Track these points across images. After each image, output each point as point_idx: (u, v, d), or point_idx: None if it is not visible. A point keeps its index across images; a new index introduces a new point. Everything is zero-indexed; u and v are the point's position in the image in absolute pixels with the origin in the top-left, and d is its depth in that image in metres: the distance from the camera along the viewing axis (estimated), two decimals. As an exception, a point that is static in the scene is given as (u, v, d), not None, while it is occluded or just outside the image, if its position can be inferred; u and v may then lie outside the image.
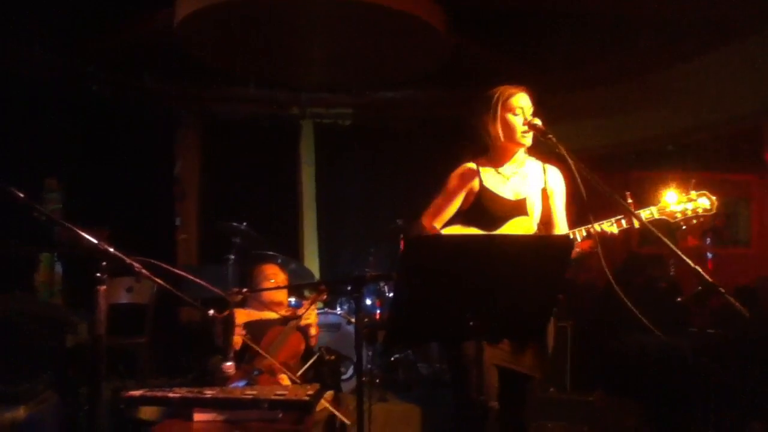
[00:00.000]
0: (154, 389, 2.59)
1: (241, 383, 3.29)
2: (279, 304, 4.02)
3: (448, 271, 2.05)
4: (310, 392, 2.54)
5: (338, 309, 5.62)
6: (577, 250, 2.68)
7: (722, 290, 2.18)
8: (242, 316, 3.83)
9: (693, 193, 2.69)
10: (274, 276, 4.04)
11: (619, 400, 4.55)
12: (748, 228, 7.80)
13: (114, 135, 6.69)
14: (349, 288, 2.74)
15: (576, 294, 5.75)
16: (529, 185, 2.85)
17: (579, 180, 2.44)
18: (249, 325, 3.75)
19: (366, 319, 5.57)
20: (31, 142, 6.14)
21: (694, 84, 6.15)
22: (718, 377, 4.03)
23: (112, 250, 1.92)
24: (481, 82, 5.84)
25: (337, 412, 3.36)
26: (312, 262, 7.83)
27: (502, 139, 2.79)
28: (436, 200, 2.88)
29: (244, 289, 3.85)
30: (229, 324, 2.66)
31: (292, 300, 4.85)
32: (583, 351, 4.57)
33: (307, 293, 5.50)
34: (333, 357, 3.87)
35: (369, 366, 4.88)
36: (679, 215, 2.67)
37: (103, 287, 1.91)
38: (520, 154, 2.86)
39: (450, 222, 2.87)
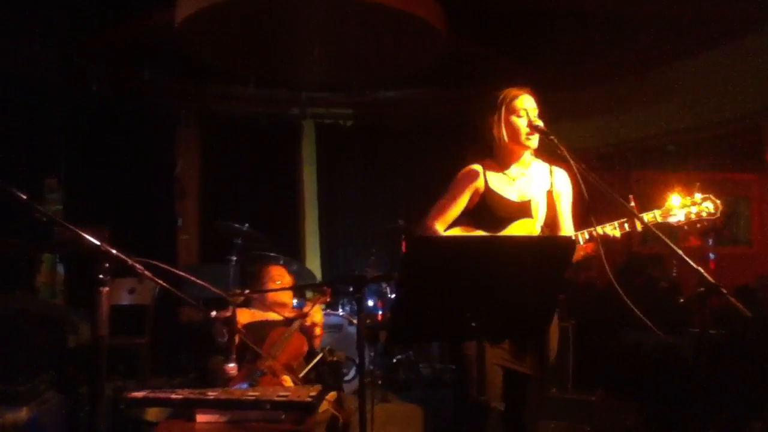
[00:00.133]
0: (156, 390, 2.60)
1: (244, 385, 3.29)
2: (283, 305, 4.02)
3: (450, 271, 2.06)
4: (313, 393, 2.54)
5: (340, 310, 5.63)
6: (581, 253, 2.68)
7: (724, 290, 2.18)
8: (246, 316, 3.83)
9: (697, 197, 2.68)
10: (280, 278, 4.04)
11: (621, 399, 4.55)
12: (748, 227, 7.79)
13: (114, 134, 6.70)
14: (350, 288, 2.74)
15: (577, 294, 5.76)
16: (534, 187, 2.85)
17: (581, 181, 2.44)
18: (252, 326, 3.75)
19: (368, 320, 5.57)
20: (31, 141, 6.15)
21: (695, 82, 6.15)
22: (719, 377, 4.04)
23: (114, 251, 1.91)
24: (481, 81, 5.89)
25: (335, 412, 3.36)
26: (313, 263, 7.84)
27: (506, 141, 2.79)
28: (440, 201, 2.88)
29: (246, 290, 3.84)
30: (231, 325, 2.66)
31: (295, 301, 4.85)
32: (584, 351, 4.56)
33: (309, 294, 5.50)
34: (335, 358, 3.86)
35: (371, 367, 4.89)
36: (682, 218, 2.67)
37: (106, 288, 1.90)
38: (527, 156, 2.86)
39: (455, 223, 2.88)
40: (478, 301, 2.09)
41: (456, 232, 2.83)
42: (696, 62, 6.15)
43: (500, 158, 2.86)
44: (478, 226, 2.81)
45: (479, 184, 2.83)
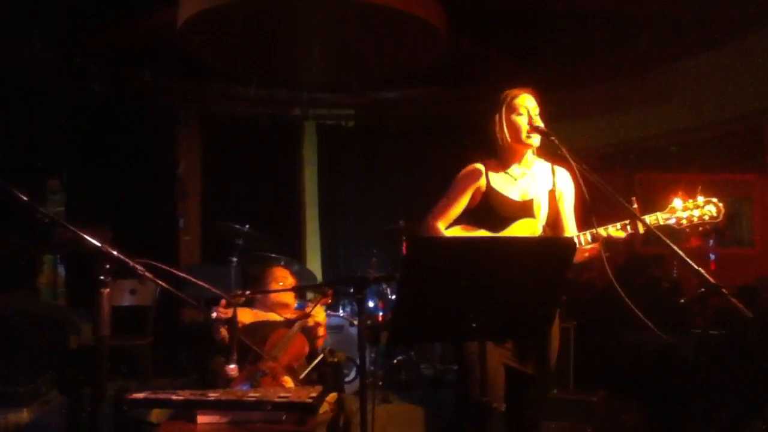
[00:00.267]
0: (157, 391, 2.60)
1: (245, 386, 3.30)
2: (285, 306, 4.03)
3: (451, 272, 2.06)
4: (314, 394, 2.54)
5: (341, 311, 5.63)
6: (585, 255, 2.67)
7: (724, 291, 2.18)
8: (248, 315, 3.84)
9: (700, 200, 2.66)
10: (283, 279, 4.06)
11: (622, 400, 4.55)
12: (750, 228, 7.78)
13: (115, 135, 6.71)
14: (351, 289, 2.74)
15: (578, 294, 5.76)
16: (536, 187, 2.85)
17: (582, 182, 2.44)
18: (253, 327, 3.76)
19: (368, 321, 5.57)
20: (32, 142, 6.15)
21: (695, 83, 6.15)
22: (720, 377, 4.03)
23: (115, 252, 1.92)
24: (482, 81, 5.88)
25: (336, 412, 3.36)
26: (314, 263, 7.84)
27: (508, 140, 2.80)
28: (442, 200, 2.88)
29: (248, 291, 3.85)
30: (233, 325, 2.66)
31: (296, 302, 4.86)
32: (585, 351, 4.56)
33: (310, 295, 5.51)
34: (337, 359, 3.86)
35: (372, 367, 4.89)
36: (685, 222, 2.64)
37: (107, 289, 1.91)
38: (529, 155, 2.86)
39: (456, 222, 2.88)
40: (479, 302, 2.10)
41: (457, 231, 2.83)
42: (697, 62, 6.14)
43: (503, 157, 2.86)
44: (479, 226, 2.81)
45: (481, 183, 2.83)
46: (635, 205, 2.55)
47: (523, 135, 2.76)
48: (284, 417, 2.48)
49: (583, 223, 2.76)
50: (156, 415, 3.76)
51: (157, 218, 7.17)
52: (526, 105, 2.78)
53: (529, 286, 2.12)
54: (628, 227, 2.63)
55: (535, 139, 2.77)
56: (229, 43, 5.82)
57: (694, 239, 6.80)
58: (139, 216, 6.79)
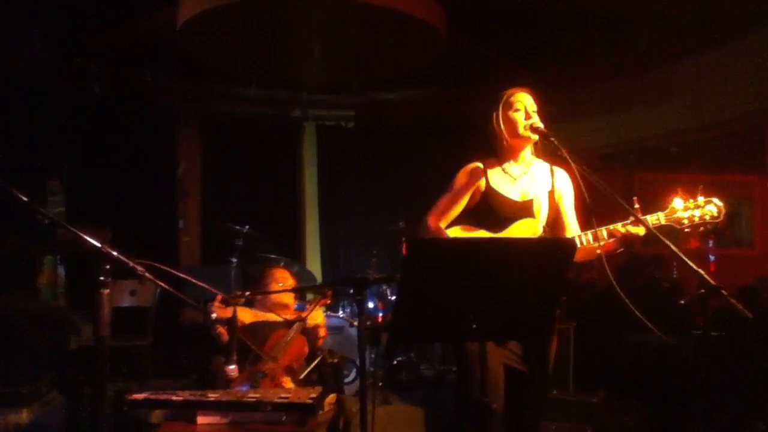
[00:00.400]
0: (157, 392, 2.60)
1: (245, 386, 3.30)
2: (285, 307, 4.04)
3: (451, 272, 2.06)
4: (314, 395, 2.55)
5: (341, 312, 5.63)
6: (597, 252, 2.65)
7: (724, 292, 2.18)
8: (248, 315, 3.84)
9: (700, 200, 2.65)
10: (283, 280, 4.07)
11: (622, 400, 4.55)
12: (751, 229, 7.78)
13: (115, 135, 6.71)
14: (351, 290, 2.74)
15: (578, 294, 5.76)
16: (536, 187, 2.85)
17: (581, 183, 2.44)
18: (253, 327, 3.76)
19: (368, 322, 5.57)
20: (32, 143, 6.15)
21: (696, 83, 6.15)
22: (720, 377, 4.03)
23: (115, 253, 1.92)
24: (482, 81, 5.87)
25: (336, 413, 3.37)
26: (314, 264, 7.84)
27: (506, 136, 2.81)
28: (441, 199, 2.88)
29: (248, 292, 3.85)
30: (233, 326, 2.66)
31: (296, 304, 4.87)
32: (585, 352, 4.56)
33: (310, 296, 5.51)
34: (336, 360, 3.87)
35: (372, 368, 4.89)
36: (686, 221, 2.63)
37: (107, 290, 1.91)
38: (527, 154, 2.86)
39: (456, 221, 2.87)
40: (479, 302, 2.10)
41: (457, 231, 2.83)
42: (697, 62, 6.15)
43: (502, 156, 2.86)
44: (479, 226, 2.80)
45: (481, 182, 2.83)
46: (637, 206, 2.54)
47: (520, 129, 2.76)
48: (284, 418, 2.48)
49: (583, 224, 2.76)
50: (156, 415, 3.76)
51: (157, 219, 7.17)
52: (524, 102, 2.79)
53: (529, 286, 2.12)
54: (629, 227, 2.62)
55: (530, 134, 2.76)
56: (229, 43, 5.82)
57: (694, 240, 6.80)
58: (139, 217, 6.79)
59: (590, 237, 2.65)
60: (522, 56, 6.29)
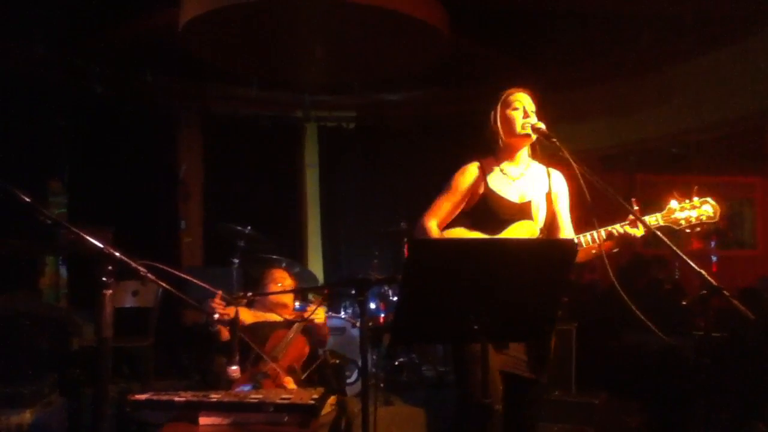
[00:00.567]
0: (159, 393, 2.60)
1: (247, 387, 3.30)
2: (285, 307, 4.04)
3: (453, 273, 2.06)
4: (316, 396, 2.55)
5: (342, 312, 5.63)
6: (592, 252, 2.68)
7: (726, 293, 2.18)
8: (248, 316, 3.84)
9: (696, 200, 2.69)
10: (282, 280, 4.08)
11: (624, 401, 4.55)
12: (753, 230, 7.78)
13: (117, 136, 6.72)
14: (353, 291, 2.74)
15: (580, 295, 5.76)
16: (533, 188, 2.84)
17: (583, 184, 2.44)
18: (253, 327, 3.76)
19: (370, 323, 5.57)
20: (34, 143, 6.16)
21: (697, 84, 6.15)
22: (722, 378, 4.03)
23: (117, 254, 1.92)
24: (483, 81, 5.86)
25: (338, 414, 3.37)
26: (316, 265, 7.84)
27: (503, 135, 2.80)
28: (438, 200, 2.86)
29: (249, 293, 3.85)
30: (234, 326, 2.66)
31: (297, 304, 4.87)
32: (587, 353, 4.56)
33: (311, 297, 5.51)
34: (337, 360, 3.87)
35: (373, 369, 4.89)
36: (683, 222, 2.67)
37: (109, 291, 1.91)
38: (524, 155, 2.86)
39: (453, 223, 2.86)
40: (480, 303, 2.10)
41: (454, 233, 2.82)
42: (698, 63, 6.14)
43: (499, 155, 2.85)
44: (477, 227, 2.79)
45: (479, 183, 2.81)
46: (636, 207, 2.56)
47: (518, 128, 2.75)
48: (286, 419, 2.48)
49: (584, 224, 2.76)
50: (160, 415, 3.77)
51: (158, 220, 7.18)
52: (523, 101, 2.78)
53: (530, 287, 2.12)
54: (628, 228, 2.64)
55: (529, 129, 2.74)
56: (231, 43, 5.83)
57: (696, 241, 6.80)
58: (140, 217, 6.80)
59: (588, 238, 2.66)
60: (522, 56, 6.29)
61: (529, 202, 2.81)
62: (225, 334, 3.56)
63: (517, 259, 2.10)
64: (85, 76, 6.49)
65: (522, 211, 2.79)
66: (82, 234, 1.93)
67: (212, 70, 6.60)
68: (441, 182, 2.95)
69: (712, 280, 2.20)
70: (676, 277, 6.32)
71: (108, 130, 6.65)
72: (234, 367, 2.61)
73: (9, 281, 5.38)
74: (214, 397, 2.55)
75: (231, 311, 2.80)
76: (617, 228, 2.63)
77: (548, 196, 2.86)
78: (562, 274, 2.17)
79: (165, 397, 2.54)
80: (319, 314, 3.88)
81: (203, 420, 2.48)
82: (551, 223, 2.86)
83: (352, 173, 8.09)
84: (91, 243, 1.92)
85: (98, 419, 2.10)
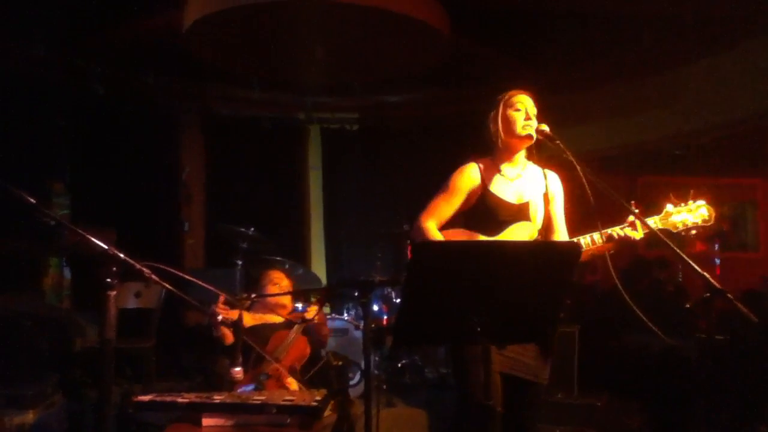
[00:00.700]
0: (162, 394, 2.61)
1: (249, 387, 3.30)
2: (283, 307, 4.07)
3: (456, 275, 2.06)
4: (318, 398, 2.55)
5: (345, 314, 5.63)
6: (588, 254, 2.69)
7: (729, 295, 2.18)
8: (248, 318, 3.85)
9: (692, 204, 2.73)
10: (279, 281, 4.10)
11: (626, 403, 4.54)
12: (756, 232, 7.76)
13: (119, 138, 6.72)
14: (356, 293, 2.74)
15: (581, 297, 5.75)
16: (531, 189, 2.84)
17: (587, 186, 2.45)
18: (254, 329, 3.77)
19: (373, 324, 5.58)
20: (36, 144, 6.17)
21: (699, 85, 6.14)
22: (724, 381, 4.03)
23: (122, 255, 1.93)
24: (484, 81, 5.85)
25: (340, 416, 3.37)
26: (318, 267, 7.85)
27: (503, 135, 2.79)
28: (435, 200, 2.84)
29: (253, 295, 3.87)
30: (238, 328, 2.67)
31: (299, 305, 4.88)
32: (589, 355, 4.56)
33: (313, 298, 5.52)
34: (340, 362, 3.88)
35: (376, 371, 4.89)
36: (680, 225, 2.72)
37: (113, 292, 1.92)
38: (521, 157, 2.86)
39: (450, 224, 2.85)
40: (483, 305, 2.10)
41: (452, 234, 2.81)
42: (700, 65, 6.14)
43: (497, 156, 2.84)
44: (474, 228, 2.78)
45: (476, 184, 2.80)
46: (636, 210, 2.57)
47: (518, 128, 2.74)
48: (289, 420, 2.49)
49: (586, 226, 2.76)
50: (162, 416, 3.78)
51: (161, 221, 7.18)
52: (525, 103, 2.78)
53: (534, 289, 2.12)
54: (628, 230, 2.66)
55: (530, 129, 2.73)
56: (232, 44, 5.83)
57: (699, 243, 6.79)
58: (142, 219, 6.80)
59: (588, 240, 2.66)
60: (523, 57, 6.28)
61: (527, 203, 2.81)
62: (229, 338, 3.57)
63: (520, 262, 2.10)
64: (85, 76, 6.48)
65: (520, 212, 2.79)
66: (86, 235, 1.94)
67: (213, 71, 6.60)
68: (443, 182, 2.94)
69: (715, 283, 2.20)
70: (679, 279, 6.31)
71: (109, 131, 6.64)
72: (237, 369, 2.61)
73: (12, 282, 5.39)
74: (217, 398, 2.56)
75: (234, 314, 2.81)
76: (617, 230, 2.66)
77: (545, 197, 2.86)
78: (566, 276, 2.17)
79: (168, 399, 2.55)
80: (318, 313, 3.89)
81: (206, 421, 2.49)
82: (548, 225, 2.86)
83: (355, 175, 8.09)
84: (96, 244, 1.93)
85: (101, 420, 2.11)
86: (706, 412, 3.84)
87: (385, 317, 5.89)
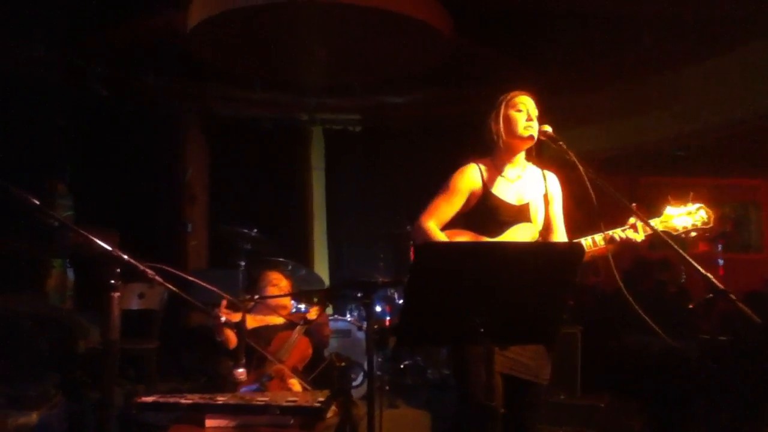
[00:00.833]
0: (165, 395, 2.61)
1: (252, 388, 3.31)
2: (283, 307, 4.09)
3: (459, 276, 2.06)
4: (321, 398, 2.55)
5: (348, 315, 5.63)
6: (587, 256, 2.69)
7: (732, 296, 2.18)
8: (250, 321, 3.85)
9: (691, 206, 2.74)
10: (278, 282, 4.10)
11: (629, 403, 4.54)
12: (760, 233, 7.75)
13: (121, 139, 6.72)
14: (359, 294, 2.74)
15: (584, 298, 5.75)
16: (531, 191, 2.84)
17: (589, 186, 2.45)
18: (255, 331, 3.77)
19: (375, 325, 5.58)
20: (37, 145, 6.18)
21: (698, 86, 6.14)
22: (727, 382, 4.02)
23: (125, 256, 1.93)
24: (485, 81, 5.83)
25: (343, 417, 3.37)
26: (321, 268, 7.85)
27: (503, 136, 2.78)
28: (435, 200, 2.83)
29: (256, 296, 3.87)
30: (241, 330, 2.67)
31: (303, 307, 4.89)
32: (592, 356, 4.56)
33: (315, 299, 5.52)
34: (343, 363, 3.86)
35: (378, 372, 4.89)
36: (680, 228, 2.73)
37: (117, 293, 1.92)
38: (522, 158, 2.86)
39: (450, 225, 2.85)
40: (486, 306, 2.10)
41: (452, 235, 2.81)
42: (700, 66, 6.13)
43: (497, 156, 2.84)
44: (475, 229, 2.78)
45: (477, 185, 2.80)
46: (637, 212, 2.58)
47: (519, 129, 2.74)
48: (292, 421, 2.49)
49: (589, 227, 2.76)
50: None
51: (164, 222, 7.18)
52: (527, 105, 2.78)
53: (536, 290, 2.12)
54: (629, 232, 2.67)
55: (531, 130, 2.73)
56: (233, 45, 5.84)
57: (701, 244, 6.79)
58: (145, 220, 6.80)
59: (590, 241, 2.67)
60: (523, 57, 6.28)
61: (527, 204, 2.81)
62: (233, 342, 3.58)
63: (523, 263, 2.10)
64: (85, 76, 6.48)
65: (520, 214, 2.79)
66: (90, 237, 1.94)
67: (214, 72, 6.61)
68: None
69: (718, 284, 2.20)
70: (682, 280, 6.30)
71: (110, 132, 6.64)
72: (240, 370, 2.62)
73: (15, 282, 5.40)
74: (220, 399, 2.56)
75: (237, 316, 2.82)
76: (618, 232, 2.67)
77: (545, 197, 2.86)
78: (568, 277, 2.17)
79: (171, 400, 2.56)
80: (316, 313, 3.89)
81: (209, 422, 2.49)
82: (547, 226, 2.86)
83: (357, 176, 8.10)
84: (99, 245, 1.94)
85: (103, 421, 2.11)
86: (708, 412, 3.84)
87: (388, 318, 5.90)
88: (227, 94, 7.58)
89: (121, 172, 6.63)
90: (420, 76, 6.70)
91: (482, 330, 2.10)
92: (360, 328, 5.26)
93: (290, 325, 3.83)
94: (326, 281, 7.35)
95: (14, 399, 4.07)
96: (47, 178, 6.26)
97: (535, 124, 2.74)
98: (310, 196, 8.15)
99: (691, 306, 5.02)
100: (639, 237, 2.67)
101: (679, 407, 4.27)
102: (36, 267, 5.97)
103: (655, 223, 2.70)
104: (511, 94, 2.83)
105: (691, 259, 2.27)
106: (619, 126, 6.83)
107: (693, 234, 2.73)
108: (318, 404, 2.49)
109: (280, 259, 5.51)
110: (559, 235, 2.85)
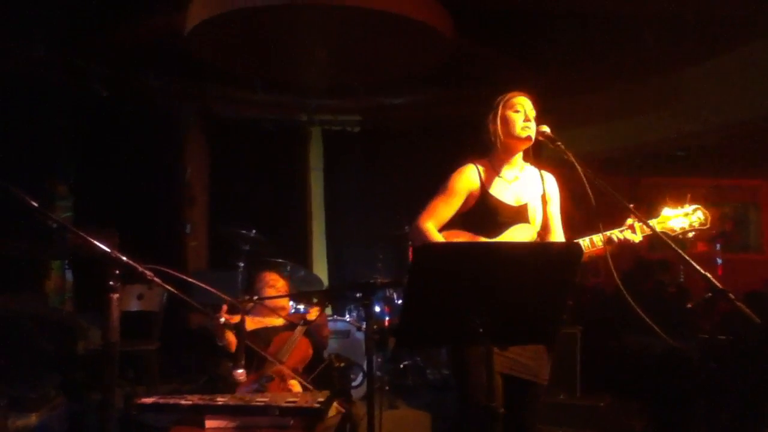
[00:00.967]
0: (165, 396, 2.61)
1: (252, 388, 3.31)
2: (282, 308, 4.09)
3: (458, 277, 2.06)
4: (321, 399, 2.55)
5: (347, 316, 5.63)
6: (585, 256, 2.69)
7: (731, 296, 2.18)
8: (249, 323, 3.86)
9: (687, 207, 2.75)
10: (275, 283, 4.10)
11: (629, 404, 4.54)
12: (759, 233, 7.75)
13: (122, 140, 6.72)
14: (358, 295, 2.74)
15: (584, 298, 5.75)
16: (529, 191, 2.85)
17: (588, 187, 2.45)
18: (255, 332, 3.77)
19: (375, 326, 5.58)
20: (38, 146, 6.17)
21: (699, 87, 6.14)
22: (728, 382, 4.02)
23: (124, 258, 1.93)
24: (485, 81, 5.83)
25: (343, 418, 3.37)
26: (321, 269, 7.85)
27: (501, 136, 2.78)
28: (434, 201, 2.83)
29: (255, 297, 3.87)
30: (241, 331, 2.67)
31: (302, 307, 4.88)
32: (592, 356, 4.56)
33: (315, 300, 5.52)
34: (342, 364, 3.88)
35: (378, 373, 4.89)
36: (677, 229, 2.74)
37: (116, 295, 1.92)
38: (519, 159, 2.86)
39: (449, 225, 2.85)
40: (486, 307, 2.10)
41: (451, 236, 2.81)
42: (703, 66, 6.13)
43: (495, 157, 2.84)
44: (473, 230, 2.78)
45: (475, 185, 2.80)
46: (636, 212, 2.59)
47: (517, 129, 2.74)
48: (292, 422, 2.49)
49: (588, 227, 2.76)
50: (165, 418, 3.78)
51: (164, 223, 7.18)
52: (524, 105, 2.79)
53: (536, 291, 2.12)
54: (628, 232, 2.67)
55: (529, 131, 2.73)
56: (234, 46, 5.84)
57: (700, 244, 6.79)
58: (144, 221, 6.80)
59: (588, 242, 2.67)
60: (523, 57, 6.28)
61: (525, 204, 2.81)
62: (234, 345, 3.58)
63: (522, 263, 2.10)
64: (86, 77, 6.47)
65: (519, 214, 2.79)
66: (89, 238, 1.94)
67: (215, 72, 6.61)
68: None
69: (717, 283, 2.20)
70: (681, 280, 6.31)
71: (110, 132, 6.64)
72: (240, 371, 2.62)
73: (14, 284, 5.40)
74: (220, 400, 2.56)
75: (236, 319, 2.82)
76: (616, 233, 2.67)
77: (543, 198, 2.86)
78: (567, 277, 2.17)
79: (171, 401, 2.55)
80: (316, 314, 3.89)
81: (209, 423, 2.49)
82: (545, 226, 2.87)
83: (356, 176, 8.10)
84: (99, 247, 1.93)
85: (104, 422, 2.11)
86: (708, 412, 3.84)
87: (387, 319, 5.90)
88: (227, 94, 7.58)
89: (120, 172, 6.62)
90: (420, 77, 6.70)
91: (482, 330, 2.10)
92: (359, 329, 5.26)
93: (290, 326, 3.84)
94: (325, 282, 7.35)
95: (15, 400, 4.07)
96: (47, 179, 6.26)
97: (532, 124, 2.75)
98: (309, 196, 8.15)
99: (689, 305, 5.02)
100: (637, 238, 2.68)
101: (679, 407, 4.27)
102: (35, 268, 5.97)
103: (652, 224, 2.71)
104: (509, 94, 2.83)
105: (689, 259, 2.27)
106: (619, 126, 6.82)
107: (690, 235, 2.74)
108: (318, 405, 2.49)
109: (279, 260, 5.51)
110: (557, 235, 2.85)
